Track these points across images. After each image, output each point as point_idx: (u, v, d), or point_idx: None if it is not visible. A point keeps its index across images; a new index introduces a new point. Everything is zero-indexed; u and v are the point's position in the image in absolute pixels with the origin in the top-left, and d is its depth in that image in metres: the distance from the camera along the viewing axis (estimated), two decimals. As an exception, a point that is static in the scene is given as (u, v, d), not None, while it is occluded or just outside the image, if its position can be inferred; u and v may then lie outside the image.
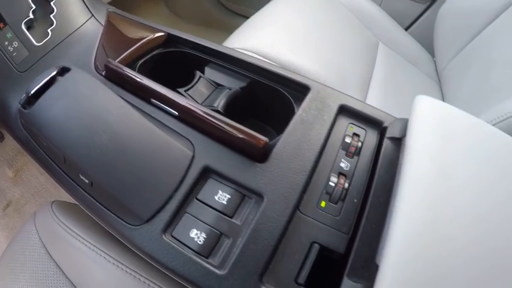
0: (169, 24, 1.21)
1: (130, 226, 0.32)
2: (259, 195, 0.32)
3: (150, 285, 0.39)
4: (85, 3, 0.53)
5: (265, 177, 0.33)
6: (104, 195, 0.34)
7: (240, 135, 0.34)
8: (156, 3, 1.24)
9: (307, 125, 0.37)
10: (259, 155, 0.34)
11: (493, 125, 0.53)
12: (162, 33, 0.49)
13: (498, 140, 0.28)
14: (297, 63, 0.63)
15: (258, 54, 0.63)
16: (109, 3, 0.84)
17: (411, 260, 0.22)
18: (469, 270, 0.22)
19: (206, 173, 0.34)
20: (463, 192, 0.24)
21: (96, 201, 0.34)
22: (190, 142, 0.35)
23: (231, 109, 0.43)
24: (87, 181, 0.34)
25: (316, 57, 0.66)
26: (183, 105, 0.37)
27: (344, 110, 0.39)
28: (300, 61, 0.63)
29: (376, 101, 0.70)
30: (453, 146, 0.27)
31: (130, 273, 0.40)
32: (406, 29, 1.01)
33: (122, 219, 0.32)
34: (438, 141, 0.27)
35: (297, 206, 0.32)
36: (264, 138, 0.33)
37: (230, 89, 0.43)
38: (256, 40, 0.64)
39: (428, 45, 0.96)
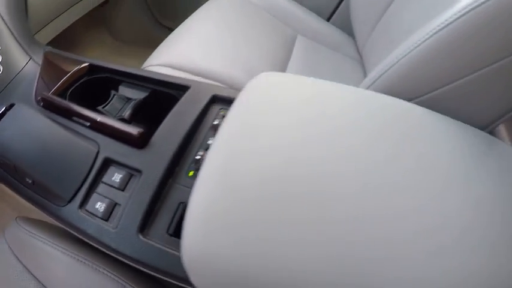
0: (113, 51, 1.36)
1: (58, 207, 0.47)
2: (140, 172, 0.46)
3: (105, 273, 0.52)
4: (24, 49, 0.69)
5: (145, 158, 0.46)
6: (40, 188, 0.49)
7: (123, 130, 0.48)
8: (99, 32, 1.35)
9: (181, 115, 0.50)
10: (140, 143, 0.47)
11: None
12: (85, 64, 0.64)
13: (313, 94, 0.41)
14: (210, 68, 0.74)
15: (173, 68, 0.74)
16: (55, 37, 0.98)
17: (214, 198, 0.31)
18: (259, 205, 0.31)
19: (108, 162, 0.48)
20: (262, 141, 0.35)
21: (35, 193, 0.50)
22: (97, 142, 0.50)
23: (139, 114, 0.58)
24: (30, 181, 0.50)
25: (229, 59, 0.77)
26: (89, 117, 0.52)
27: (217, 99, 0.53)
28: (212, 66, 0.74)
29: None
30: (266, 108, 0.38)
31: (88, 264, 0.52)
32: (328, 19, 1.14)
33: (52, 203, 0.48)
34: (250, 105, 0.39)
35: (168, 176, 0.46)
36: (139, 130, 0.47)
37: (135, 100, 0.58)
38: (171, 55, 0.75)
39: (350, 30, 1.06)
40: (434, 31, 0.45)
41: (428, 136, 0.42)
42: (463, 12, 0.41)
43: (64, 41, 1.10)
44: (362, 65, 0.99)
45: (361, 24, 0.99)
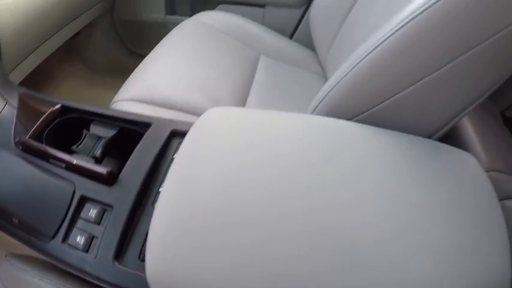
0: (88, 83, 1.41)
1: (43, 243, 0.53)
2: (112, 206, 0.52)
3: None
4: (0, 94, 0.74)
5: (115, 194, 0.52)
6: (26, 227, 0.55)
7: (94, 170, 0.54)
8: (72, 64, 1.40)
9: (144, 152, 0.56)
10: (110, 180, 0.53)
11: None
12: (58, 106, 0.70)
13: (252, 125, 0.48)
14: (176, 98, 0.79)
15: (141, 101, 0.79)
16: (29, 74, 1.00)
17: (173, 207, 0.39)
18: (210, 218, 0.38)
19: (84, 199, 0.53)
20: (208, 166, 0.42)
21: (23, 232, 0.56)
22: (73, 182, 0.56)
23: (111, 151, 0.64)
24: (16, 221, 0.56)
25: (194, 87, 0.82)
26: (64, 160, 0.58)
27: (176, 134, 0.59)
28: (178, 96, 0.80)
29: (256, 108, 0.87)
30: (210, 139, 0.45)
31: None
32: (291, 36, 1.21)
33: (38, 239, 0.53)
34: (199, 137, 0.46)
35: (136, 209, 0.52)
36: (107, 170, 0.53)
37: (105, 138, 0.64)
38: (138, 88, 0.80)
39: (313, 45, 1.11)
40: (368, 51, 0.50)
41: (360, 152, 0.48)
42: (397, 28, 0.46)
43: (38, 76, 1.14)
44: (324, 78, 1.05)
45: (320, 40, 1.05)
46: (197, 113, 0.79)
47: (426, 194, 0.45)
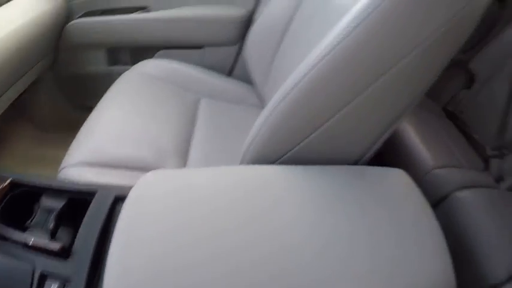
0: (37, 142, 1.43)
1: None
2: (69, 281, 0.56)
3: None
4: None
5: (71, 267, 0.56)
6: None
7: (47, 248, 0.58)
8: (20, 124, 1.41)
9: (92, 220, 0.61)
10: (63, 254, 0.58)
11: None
12: (7, 182, 0.74)
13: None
14: (122, 157, 0.83)
15: (89, 165, 0.82)
16: None
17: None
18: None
19: (44, 276, 0.56)
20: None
21: None
22: (32, 260, 0.58)
23: (64, 222, 0.69)
24: None
25: (138, 142, 0.86)
26: (19, 241, 0.61)
27: (119, 199, 0.64)
28: (123, 154, 0.83)
29: (200, 154, 0.90)
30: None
31: None
32: (229, 74, 1.28)
33: None
34: (135, 204, 0.52)
35: (92, 279, 0.56)
36: (60, 245, 0.57)
37: (56, 210, 0.69)
38: (84, 152, 0.84)
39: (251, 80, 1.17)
40: (287, 92, 0.54)
41: (280, 192, 0.55)
42: (310, 67, 0.50)
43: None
44: (265, 111, 1.13)
45: (257, 74, 1.11)
46: (144, 168, 0.82)
47: (345, 220, 0.52)
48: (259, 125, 0.62)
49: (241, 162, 0.66)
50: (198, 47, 1.28)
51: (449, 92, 1.38)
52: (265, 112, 0.60)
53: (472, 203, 0.92)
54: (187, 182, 0.56)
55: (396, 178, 0.60)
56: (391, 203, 0.55)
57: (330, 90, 0.52)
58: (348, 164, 0.63)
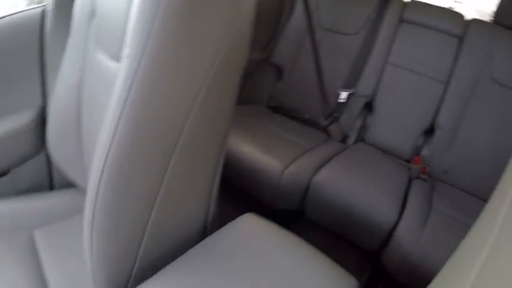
0: None
1: None
2: None
3: None
4: None
5: None
6: None
7: None
8: None
9: None
10: None
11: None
12: None
13: None
14: None
15: None
16: None
17: None
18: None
19: None
20: None
21: None
22: None
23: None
24: None
25: None
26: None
27: None
28: None
29: None
30: None
31: None
32: (50, 186, 1.14)
33: None
34: None
35: None
36: None
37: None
38: None
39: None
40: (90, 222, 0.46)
41: None
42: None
43: None
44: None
45: (73, 175, 1.02)
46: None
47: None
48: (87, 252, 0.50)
49: None
50: (3, 174, 1.09)
51: (266, 90, 1.48)
52: (86, 238, 0.49)
53: (331, 178, 0.99)
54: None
55: (245, 224, 0.59)
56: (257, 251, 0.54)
57: (139, 170, 0.45)
58: (199, 231, 0.59)
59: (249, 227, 0.58)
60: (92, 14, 0.63)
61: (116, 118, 0.42)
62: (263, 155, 1.02)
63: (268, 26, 1.41)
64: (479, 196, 1.12)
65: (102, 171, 0.43)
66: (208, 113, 0.47)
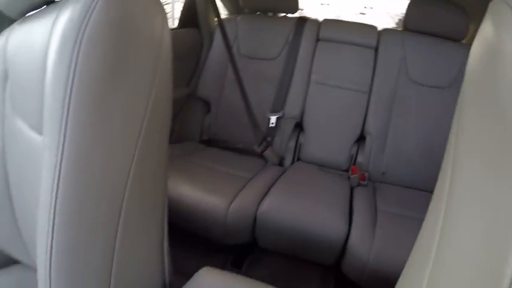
0: None
1: None
2: None
3: None
4: None
5: None
6: None
7: None
8: None
9: None
10: None
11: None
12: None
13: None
14: None
15: None
16: None
17: None
18: None
19: None
20: None
21: None
22: None
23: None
24: None
25: None
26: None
27: None
28: None
29: None
30: None
31: None
32: None
33: None
34: None
35: None
36: None
37: None
38: None
39: None
40: None
41: None
42: None
43: None
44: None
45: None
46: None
47: None
48: None
49: None
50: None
51: (196, 125, 1.47)
52: None
53: (276, 205, 0.99)
54: None
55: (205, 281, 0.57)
56: None
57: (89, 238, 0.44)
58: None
59: (207, 283, 0.56)
60: (5, 75, 0.58)
61: (53, 196, 0.40)
62: (205, 195, 1.00)
63: (188, 61, 1.41)
64: (419, 188, 1.21)
65: (51, 249, 0.42)
66: (148, 162, 0.45)
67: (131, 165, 0.43)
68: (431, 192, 0.38)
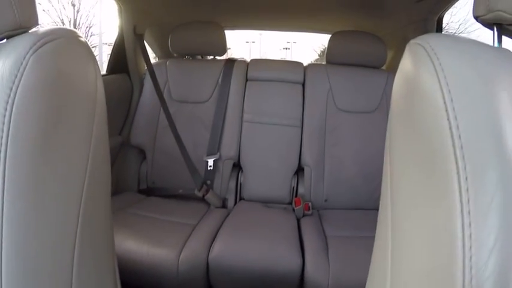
0: None
1: None
2: None
3: None
4: None
5: None
6: None
7: None
8: None
9: None
10: None
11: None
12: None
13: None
14: None
15: None
16: None
17: None
18: None
19: None
20: None
21: None
22: None
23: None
24: None
25: None
26: None
27: None
28: None
29: None
30: None
31: None
32: None
33: None
34: None
35: None
36: None
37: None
38: None
39: None
40: None
41: None
42: None
43: None
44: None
45: None
46: None
47: None
48: None
49: None
50: None
51: (133, 174, 1.42)
52: None
53: (226, 249, 0.97)
54: None
55: None
56: None
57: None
58: None
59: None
60: None
61: None
62: (151, 248, 0.96)
63: (120, 108, 1.37)
64: (361, 207, 1.27)
65: None
66: (95, 220, 0.44)
67: (77, 226, 0.41)
68: (374, 209, 0.41)
